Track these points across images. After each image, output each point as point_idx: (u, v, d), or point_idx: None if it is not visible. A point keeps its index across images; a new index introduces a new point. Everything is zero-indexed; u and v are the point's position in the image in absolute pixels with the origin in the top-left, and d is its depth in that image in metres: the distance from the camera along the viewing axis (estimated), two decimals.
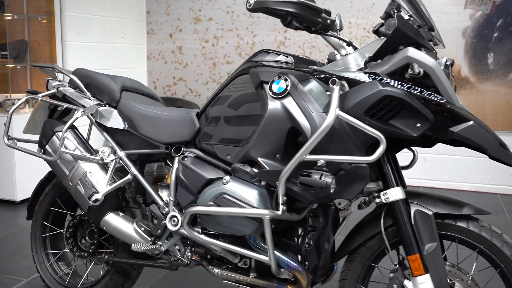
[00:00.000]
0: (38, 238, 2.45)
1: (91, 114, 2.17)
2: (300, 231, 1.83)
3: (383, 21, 1.75)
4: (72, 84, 2.30)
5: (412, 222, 1.60)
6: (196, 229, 1.93)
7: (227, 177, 1.77)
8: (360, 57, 1.75)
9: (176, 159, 2.03)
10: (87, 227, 2.31)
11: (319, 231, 1.80)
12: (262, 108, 1.73)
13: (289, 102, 1.66)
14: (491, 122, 4.47)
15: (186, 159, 2.01)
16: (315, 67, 1.82)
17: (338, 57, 1.82)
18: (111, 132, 2.19)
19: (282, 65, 1.84)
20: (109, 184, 2.09)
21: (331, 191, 1.51)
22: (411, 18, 1.64)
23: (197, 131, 2.01)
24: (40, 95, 2.26)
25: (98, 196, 2.05)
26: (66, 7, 4.35)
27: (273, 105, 1.68)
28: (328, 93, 1.65)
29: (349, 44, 1.87)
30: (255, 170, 1.74)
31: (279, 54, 1.90)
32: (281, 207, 1.64)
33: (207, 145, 1.95)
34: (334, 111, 1.53)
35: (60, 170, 2.17)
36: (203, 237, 1.86)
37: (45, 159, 2.18)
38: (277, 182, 1.63)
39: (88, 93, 2.21)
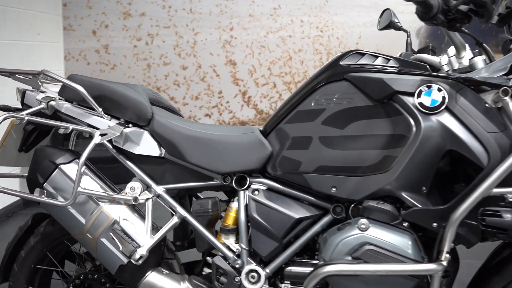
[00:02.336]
0: None
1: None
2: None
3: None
4: (67, 96, 1.68)
5: None
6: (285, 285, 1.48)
7: (364, 220, 1.33)
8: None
9: (243, 193, 1.55)
10: None
11: (453, 276, 1.45)
12: (400, 126, 1.34)
13: (448, 119, 1.29)
14: None
15: (256, 193, 1.54)
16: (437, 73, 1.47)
17: (466, 60, 1.48)
18: (137, 161, 1.63)
19: (387, 69, 1.47)
20: (152, 233, 1.53)
21: None
22: None
23: (268, 156, 1.55)
24: (24, 112, 1.60)
25: (143, 251, 1.49)
26: None
27: (428, 123, 1.29)
28: (487, 105, 1.30)
29: (480, 44, 1.55)
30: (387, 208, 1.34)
31: (377, 57, 1.52)
32: (445, 256, 1.25)
33: (292, 174, 1.50)
34: None
35: (70, 218, 1.56)
36: None
37: (47, 204, 1.55)
38: (443, 224, 1.24)
39: (100, 109, 1.61)
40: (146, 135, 1.60)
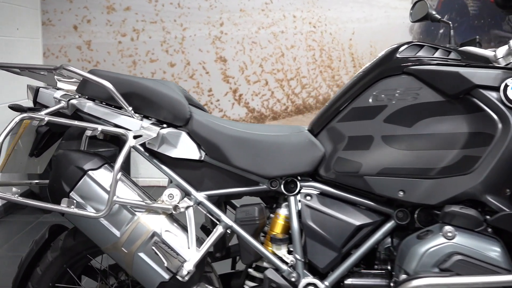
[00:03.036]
0: None
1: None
2: None
3: None
4: (89, 94, 1.50)
5: None
6: None
7: (449, 228, 1.21)
8: None
9: (293, 199, 1.42)
10: None
11: None
12: (482, 124, 1.23)
13: None
14: None
15: (309, 198, 1.41)
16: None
17: None
18: (173, 165, 1.47)
19: (449, 61, 1.36)
20: (198, 246, 1.37)
21: None
22: None
23: (321, 158, 1.42)
24: (43, 112, 1.42)
25: (190, 266, 1.33)
26: None
27: None
28: None
29: None
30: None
31: (436, 49, 1.41)
32: None
33: (350, 177, 1.37)
34: None
35: (102, 230, 1.38)
36: None
37: (73, 216, 1.36)
38: None
39: (130, 108, 1.44)
40: (184, 136, 1.44)
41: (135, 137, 1.38)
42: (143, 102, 1.44)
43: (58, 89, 1.56)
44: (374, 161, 1.34)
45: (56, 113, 1.48)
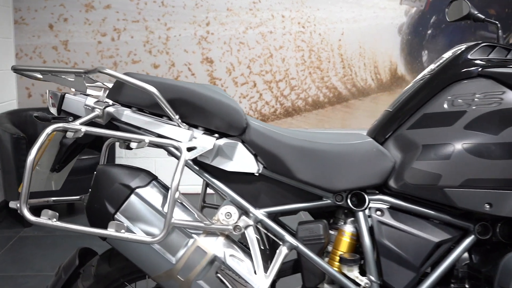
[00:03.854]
0: None
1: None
2: None
3: None
4: (123, 100, 1.33)
5: None
6: None
7: None
8: None
9: (363, 214, 1.29)
10: None
11: None
12: None
13: None
14: None
15: (379, 213, 1.29)
16: None
17: None
18: (226, 180, 1.32)
19: None
20: (265, 271, 1.23)
21: None
22: None
23: (391, 169, 1.30)
24: (78, 122, 1.23)
25: None
26: None
27: None
28: None
29: None
30: None
31: (509, 50, 1.32)
32: None
33: (426, 190, 1.26)
34: None
35: (154, 257, 1.21)
36: None
37: (124, 240, 1.19)
38: None
39: (177, 116, 1.27)
40: (240, 147, 1.28)
41: (189, 149, 1.22)
42: (192, 109, 1.28)
43: (87, 95, 1.38)
44: (456, 172, 1.23)
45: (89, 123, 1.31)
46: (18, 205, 1.16)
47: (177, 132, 1.27)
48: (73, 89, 1.45)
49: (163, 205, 1.22)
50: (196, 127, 1.30)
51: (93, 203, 1.23)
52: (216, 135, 1.29)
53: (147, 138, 1.21)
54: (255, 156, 1.29)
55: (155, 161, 4.24)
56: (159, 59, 4.22)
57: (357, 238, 1.32)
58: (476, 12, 1.83)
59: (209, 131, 1.29)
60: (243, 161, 1.28)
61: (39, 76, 1.41)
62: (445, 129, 1.26)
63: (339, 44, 4.31)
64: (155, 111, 1.30)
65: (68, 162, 1.48)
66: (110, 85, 1.47)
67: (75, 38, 4.17)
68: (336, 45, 4.31)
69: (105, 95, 1.37)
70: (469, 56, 1.32)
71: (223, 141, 1.27)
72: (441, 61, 1.40)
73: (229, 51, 4.25)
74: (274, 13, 4.24)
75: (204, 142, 1.24)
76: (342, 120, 4.39)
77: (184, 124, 1.29)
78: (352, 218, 1.32)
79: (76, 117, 1.36)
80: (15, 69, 1.35)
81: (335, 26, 4.29)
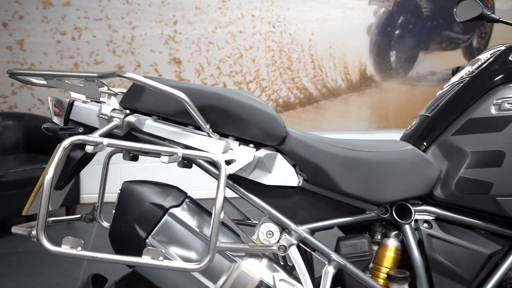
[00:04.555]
0: None
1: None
2: None
3: None
4: (141, 108, 1.18)
5: None
6: None
7: None
8: None
9: (409, 227, 1.21)
10: None
11: None
12: None
13: None
14: (394, 121, 4.46)
15: (426, 225, 1.22)
16: None
17: None
18: (262, 194, 1.19)
19: None
20: None
21: None
22: None
23: (437, 178, 1.23)
24: (96, 134, 1.07)
25: None
26: None
27: None
28: None
29: None
30: None
31: None
32: None
33: (476, 200, 1.19)
34: None
35: (191, 285, 1.07)
36: None
37: (165, 269, 1.04)
38: None
39: (208, 125, 1.14)
40: (280, 158, 1.17)
41: (227, 162, 1.09)
42: (225, 117, 1.15)
43: (99, 102, 1.21)
44: (508, 180, 1.17)
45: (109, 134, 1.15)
46: (34, 232, 0.99)
47: (209, 143, 1.14)
48: (72, 95, 1.29)
49: (200, 225, 1.09)
50: (226, 136, 1.17)
51: (120, 227, 1.08)
52: (251, 145, 1.16)
53: (180, 151, 1.07)
54: (294, 167, 1.18)
55: (120, 167, 4.02)
56: (124, 59, 4.00)
57: (401, 252, 1.24)
58: (489, 13, 1.79)
59: (242, 141, 1.17)
60: (283, 173, 1.17)
61: (39, 81, 1.24)
62: (494, 134, 1.20)
63: (309, 44, 4.25)
64: (180, 119, 1.16)
65: (73, 178, 1.31)
66: (116, 90, 1.32)
67: (31, 37, 3.88)
68: (306, 45, 4.25)
69: (110, 101, 1.21)
70: (510, 58, 1.26)
71: (262, 152, 1.14)
72: (479, 63, 1.34)
73: (197, 51, 4.10)
74: (243, 12, 4.12)
75: (243, 154, 1.12)
76: (313, 121, 4.34)
77: (215, 134, 1.15)
78: (396, 232, 1.24)
79: (86, 127, 1.20)
80: (11, 73, 1.17)
81: (305, 25, 4.23)
